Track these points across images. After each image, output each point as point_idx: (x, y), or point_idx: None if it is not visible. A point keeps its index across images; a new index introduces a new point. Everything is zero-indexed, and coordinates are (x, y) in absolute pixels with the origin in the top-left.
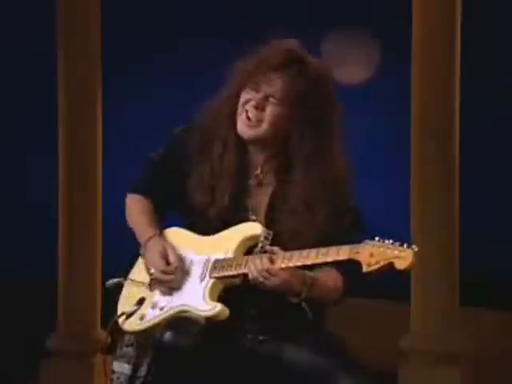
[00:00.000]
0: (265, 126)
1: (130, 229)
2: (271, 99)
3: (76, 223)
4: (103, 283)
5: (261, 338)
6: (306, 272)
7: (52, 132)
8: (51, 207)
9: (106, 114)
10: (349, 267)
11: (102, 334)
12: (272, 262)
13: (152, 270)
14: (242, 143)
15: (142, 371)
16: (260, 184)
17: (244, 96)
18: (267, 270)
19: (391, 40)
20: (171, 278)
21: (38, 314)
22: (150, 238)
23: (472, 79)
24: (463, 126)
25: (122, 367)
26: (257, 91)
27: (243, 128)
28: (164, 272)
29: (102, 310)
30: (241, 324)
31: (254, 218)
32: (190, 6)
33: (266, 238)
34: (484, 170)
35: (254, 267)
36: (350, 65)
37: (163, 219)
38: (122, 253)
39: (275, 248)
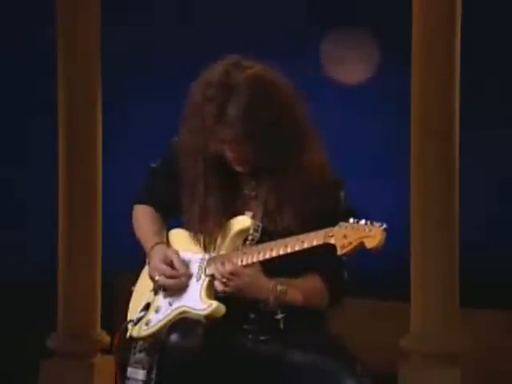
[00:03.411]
0: (249, 161)
1: (130, 229)
2: (238, 143)
3: (76, 223)
4: (103, 283)
5: (262, 338)
6: (279, 279)
7: (52, 132)
8: (51, 207)
9: (106, 114)
10: (334, 275)
11: (102, 334)
12: (222, 263)
13: (157, 277)
14: (226, 170)
15: (154, 373)
16: (255, 197)
17: (217, 147)
18: (230, 272)
19: (391, 40)
20: (176, 282)
21: (38, 314)
22: (154, 245)
23: (472, 79)
24: (463, 126)
25: (136, 373)
26: (223, 142)
27: (235, 166)
28: (169, 277)
29: (101, 310)
30: (241, 326)
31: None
32: (191, 6)
33: (255, 230)
34: (484, 170)
35: (216, 271)
36: (350, 65)
37: (167, 224)
38: (122, 253)
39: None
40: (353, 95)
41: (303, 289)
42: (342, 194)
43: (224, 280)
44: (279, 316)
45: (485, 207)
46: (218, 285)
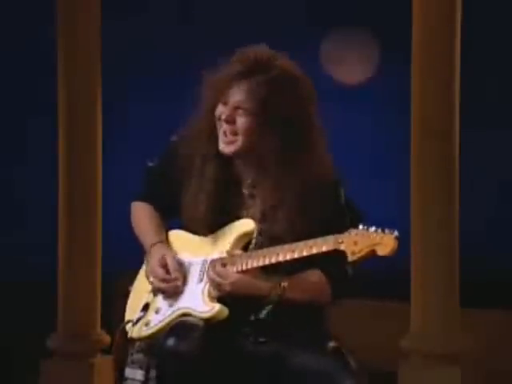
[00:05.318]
0: (240, 138)
1: (130, 229)
2: (239, 110)
3: (76, 223)
4: (103, 283)
5: (261, 340)
6: (277, 277)
7: (52, 132)
8: (51, 207)
9: (106, 114)
10: (335, 269)
11: (102, 334)
12: (224, 265)
13: (151, 279)
14: (226, 158)
15: (153, 373)
16: (252, 195)
17: (217, 110)
18: (218, 274)
19: (391, 40)
20: (170, 286)
21: (38, 314)
22: (155, 244)
23: (472, 79)
24: (463, 126)
25: (134, 373)
26: (226, 104)
27: (222, 145)
28: (163, 280)
29: (101, 310)
30: (241, 328)
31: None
32: (191, 5)
33: (259, 233)
34: (484, 170)
35: (211, 272)
36: (350, 65)
37: (167, 224)
38: (122, 253)
39: (239, 252)
40: (353, 95)
41: (304, 285)
42: (342, 195)
43: (215, 284)
44: (264, 311)
45: (485, 207)
46: (211, 289)
